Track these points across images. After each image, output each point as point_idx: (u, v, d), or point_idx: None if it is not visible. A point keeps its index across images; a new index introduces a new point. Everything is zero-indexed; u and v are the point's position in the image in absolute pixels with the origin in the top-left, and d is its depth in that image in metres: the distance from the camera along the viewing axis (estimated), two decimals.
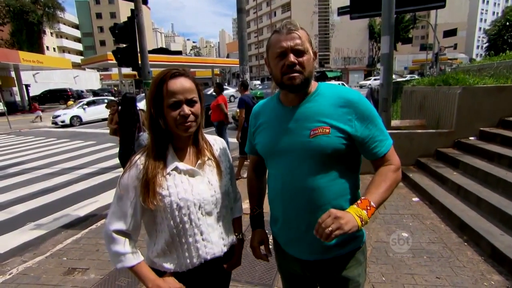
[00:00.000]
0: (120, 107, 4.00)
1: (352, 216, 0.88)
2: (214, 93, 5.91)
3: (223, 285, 1.26)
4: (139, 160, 1.03)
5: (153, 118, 1.01)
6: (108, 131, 5.12)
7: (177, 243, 1.05)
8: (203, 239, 1.07)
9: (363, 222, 0.89)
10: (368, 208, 0.92)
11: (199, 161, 1.09)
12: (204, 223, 1.07)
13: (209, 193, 1.07)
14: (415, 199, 3.98)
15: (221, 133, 5.71)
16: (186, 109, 0.99)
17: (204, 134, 1.17)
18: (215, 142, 1.21)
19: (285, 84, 1.02)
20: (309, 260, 1.12)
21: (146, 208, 1.01)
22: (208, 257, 1.08)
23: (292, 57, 0.99)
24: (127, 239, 1.02)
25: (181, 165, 1.05)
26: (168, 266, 1.05)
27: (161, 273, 1.05)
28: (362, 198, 0.96)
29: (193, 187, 1.05)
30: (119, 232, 1.01)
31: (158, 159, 1.02)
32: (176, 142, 1.07)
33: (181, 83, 0.99)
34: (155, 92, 0.99)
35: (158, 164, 1.01)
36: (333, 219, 0.86)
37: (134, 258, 1.01)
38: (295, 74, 0.99)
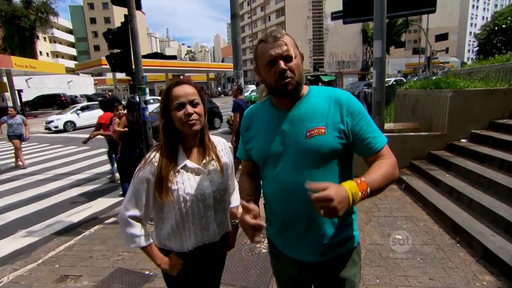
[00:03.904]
0: (134, 112, 4.09)
1: (346, 196, 0.84)
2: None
3: (219, 265, 1.47)
4: (154, 158, 1.19)
5: (165, 122, 1.18)
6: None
7: (181, 230, 1.23)
8: (202, 228, 1.26)
9: (354, 203, 0.86)
10: (364, 192, 0.89)
11: (204, 161, 1.25)
12: (206, 214, 1.25)
13: (210, 190, 1.24)
14: (409, 201, 4.02)
15: None
16: (189, 108, 1.15)
17: (210, 136, 1.32)
18: (219, 143, 1.37)
19: (279, 90, 1.04)
20: (308, 262, 1.12)
21: (157, 199, 1.18)
22: (206, 242, 1.29)
23: (282, 64, 1.00)
24: (140, 224, 1.21)
25: (189, 163, 1.22)
26: (172, 246, 1.25)
27: (167, 252, 1.26)
28: (362, 179, 0.91)
29: (197, 184, 1.22)
30: (133, 217, 1.19)
31: (170, 158, 1.18)
32: (185, 142, 1.24)
33: (184, 89, 1.17)
34: (164, 99, 1.17)
35: (170, 162, 1.18)
36: (326, 206, 0.81)
37: (147, 239, 1.21)
38: (288, 80, 1.02)
